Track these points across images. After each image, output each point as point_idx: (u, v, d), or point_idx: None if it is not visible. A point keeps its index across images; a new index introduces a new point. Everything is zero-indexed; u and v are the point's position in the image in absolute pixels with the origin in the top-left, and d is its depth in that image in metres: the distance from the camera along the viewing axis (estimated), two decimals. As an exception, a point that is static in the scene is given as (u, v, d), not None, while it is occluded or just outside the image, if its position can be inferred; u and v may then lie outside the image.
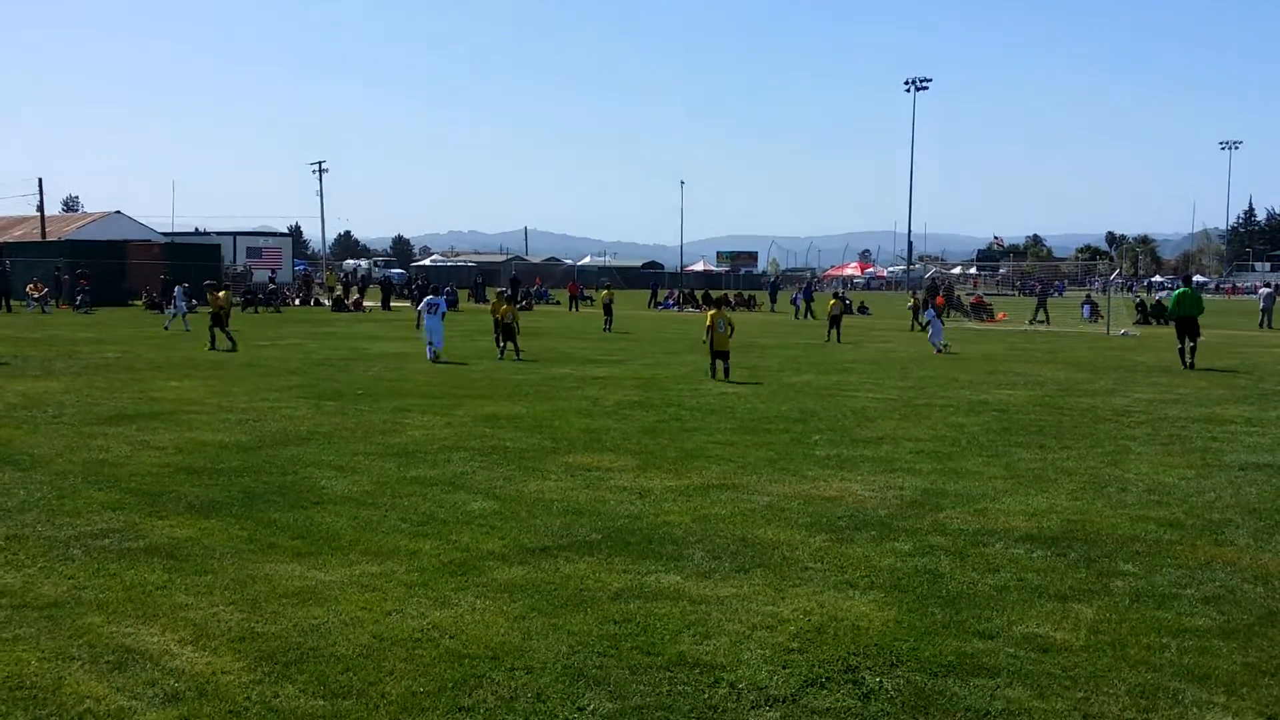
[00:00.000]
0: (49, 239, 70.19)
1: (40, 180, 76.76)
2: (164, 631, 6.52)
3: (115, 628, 6.58)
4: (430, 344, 25.29)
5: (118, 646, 6.26)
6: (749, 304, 66.29)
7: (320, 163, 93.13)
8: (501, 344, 26.29)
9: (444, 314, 26.46)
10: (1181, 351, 25.66)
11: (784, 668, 6.13)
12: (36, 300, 48.81)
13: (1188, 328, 25.76)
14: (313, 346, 29.01)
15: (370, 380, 20.73)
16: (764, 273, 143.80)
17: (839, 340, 33.95)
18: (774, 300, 64.74)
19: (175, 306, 36.49)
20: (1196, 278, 57.63)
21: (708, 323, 22.12)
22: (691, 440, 13.96)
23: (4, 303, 49.06)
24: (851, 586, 7.70)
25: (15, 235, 78.01)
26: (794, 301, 57.26)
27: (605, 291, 44.03)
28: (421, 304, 27.36)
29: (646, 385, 20.44)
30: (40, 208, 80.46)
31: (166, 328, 35.33)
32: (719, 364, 21.67)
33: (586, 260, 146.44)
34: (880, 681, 5.98)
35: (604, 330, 39.09)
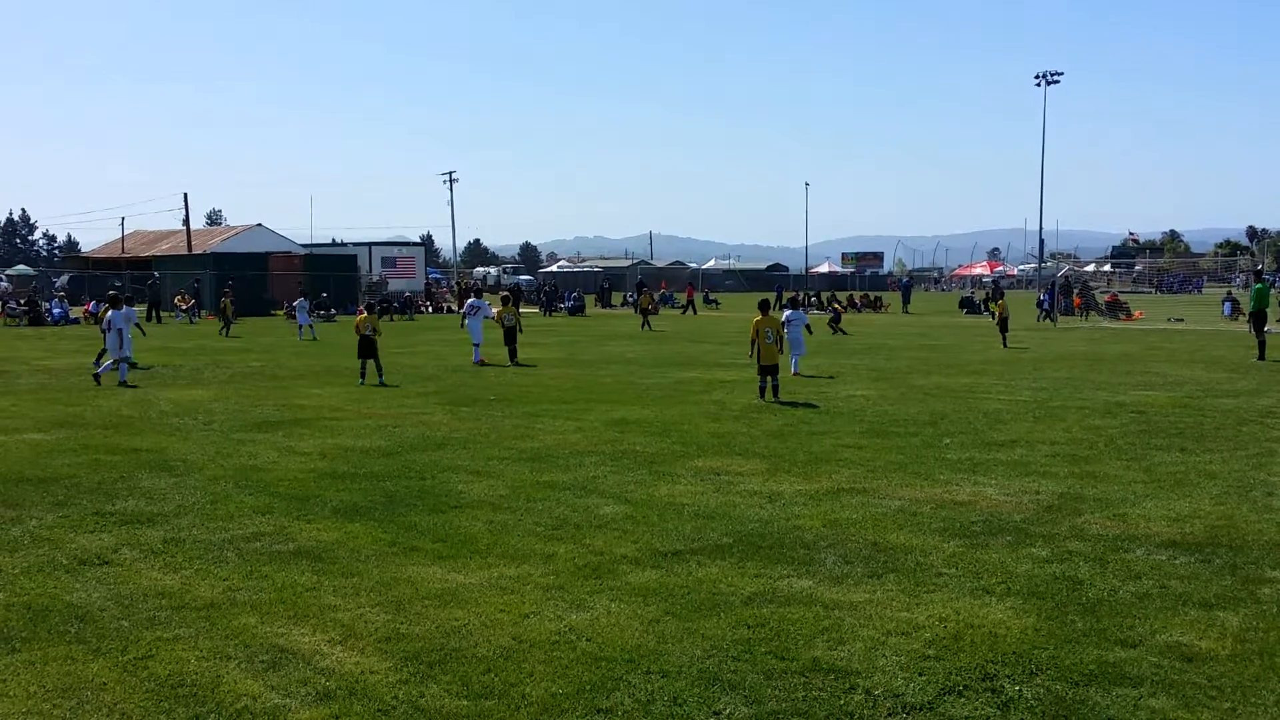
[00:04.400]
0: (195, 252, 72.91)
1: (186, 195, 79.83)
2: (314, 632, 6.75)
3: (268, 628, 6.83)
4: (476, 346, 26.25)
5: (271, 646, 6.50)
6: (875, 305, 65.51)
7: (451, 173, 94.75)
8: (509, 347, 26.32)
9: (486, 317, 27.48)
10: None
11: (920, 675, 6.08)
12: (185, 311, 50.77)
13: None
14: (445, 352, 29.59)
15: (502, 386, 21.08)
16: (890, 273, 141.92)
17: (1005, 345, 30.94)
18: (906, 301, 63.71)
19: (299, 319, 37.72)
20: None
21: (752, 334, 18.75)
22: (820, 444, 13.88)
23: (154, 314, 51.16)
24: (988, 593, 7.58)
25: (163, 249, 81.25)
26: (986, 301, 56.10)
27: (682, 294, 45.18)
28: (465, 306, 27.94)
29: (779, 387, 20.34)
30: (186, 222, 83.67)
31: (299, 338, 36.37)
32: (768, 381, 18.40)
33: (711, 263, 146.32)
34: (1019, 690, 5.88)
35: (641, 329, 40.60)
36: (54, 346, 33.15)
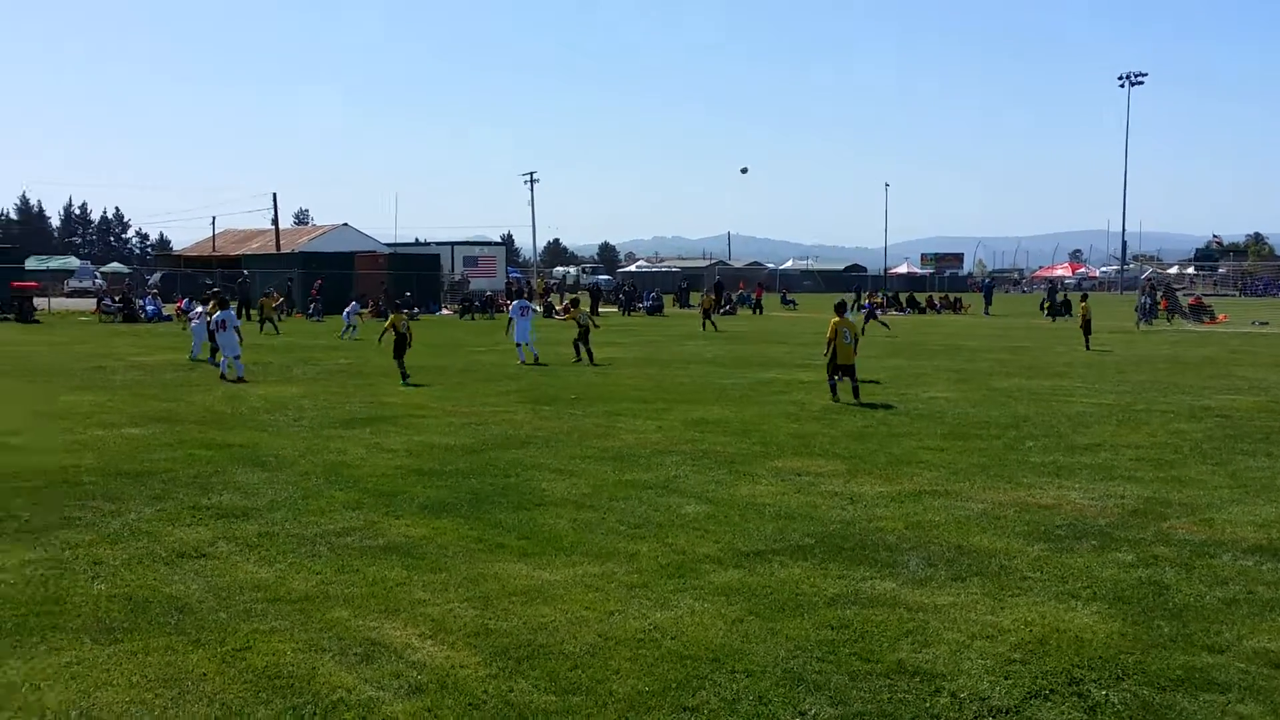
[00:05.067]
0: (283, 251, 74.20)
1: (275, 195, 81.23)
2: (405, 626, 6.87)
3: (361, 622, 6.96)
4: (520, 346, 26.41)
5: (364, 639, 6.62)
6: (955, 306, 64.74)
7: (532, 173, 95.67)
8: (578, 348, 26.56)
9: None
10: None
11: (1006, 678, 6.02)
12: (274, 309, 51.69)
13: None
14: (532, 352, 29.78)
15: (582, 385, 21.20)
16: (970, 274, 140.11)
17: (1088, 347, 30.30)
18: (988, 303, 62.70)
19: (347, 319, 38.14)
20: None
21: (829, 334, 18.33)
22: (901, 446, 13.78)
23: (244, 311, 52.18)
24: (1073, 597, 7.48)
25: (252, 248, 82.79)
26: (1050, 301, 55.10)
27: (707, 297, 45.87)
28: (513, 307, 28.23)
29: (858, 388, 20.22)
30: (275, 221, 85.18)
31: (342, 336, 36.57)
32: (843, 381, 18.27)
33: (789, 264, 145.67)
34: (1106, 695, 5.81)
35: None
36: (147, 343, 33.99)
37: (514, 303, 28.88)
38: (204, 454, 13.09)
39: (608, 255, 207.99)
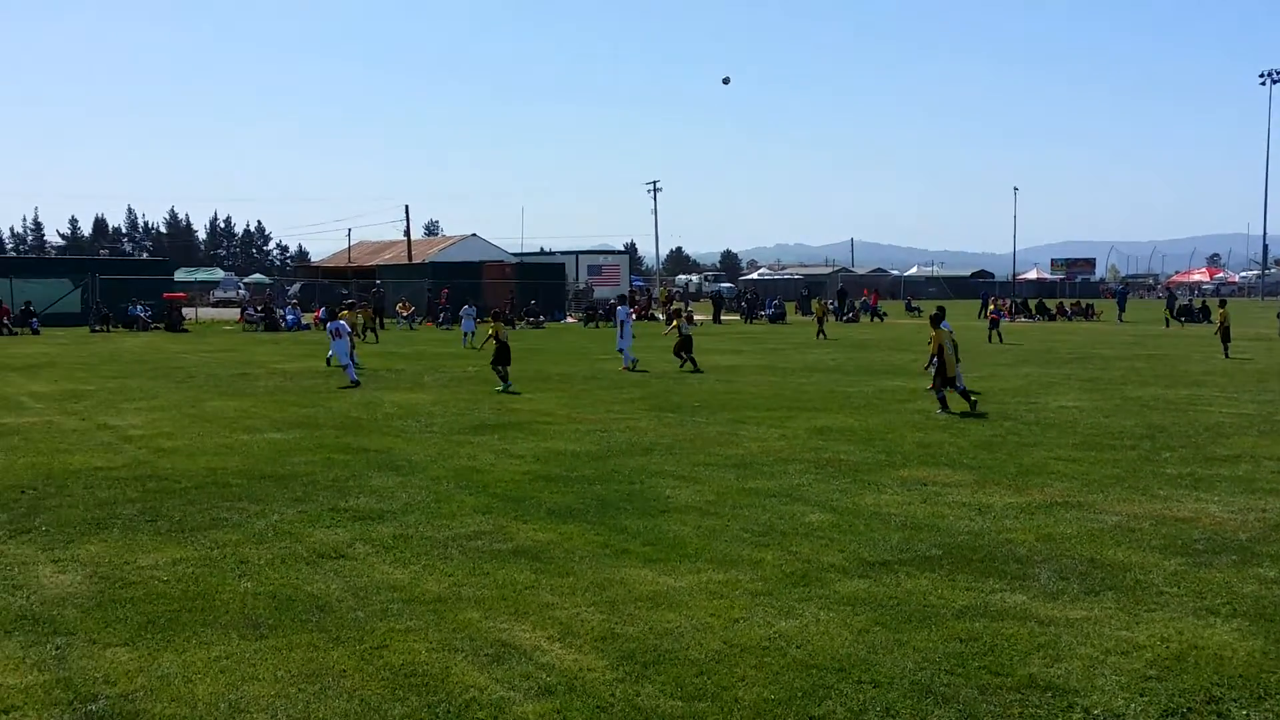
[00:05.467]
0: (415, 261, 75.85)
1: (407, 207, 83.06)
2: (534, 629, 6.97)
3: (492, 623, 7.08)
4: (622, 351, 27.00)
5: (495, 641, 6.74)
6: (1087, 313, 63.00)
7: (654, 182, 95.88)
8: (681, 356, 26.63)
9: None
10: None
11: (1141, 695, 5.85)
12: (405, 318, 52.92)
13: None
14: (649, 359, 29.91)
15: (705, 393, 21.21)
16: (1102, 280, 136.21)
17: (1226, 355, 29.31)
18: (1122, 309, 60.79)
19: (464, 325, 38.57)
20: None
21: (933, 347, 17.93)
22: (1031, 456, 13.47)
23: (378, 320, 53.47)
24: (1212, 614, 7.23)
25: (385, 258, 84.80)
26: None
27: (817, 303, 46.05)
28: (621, 314, 28.56)
29: (980, 398, 19.85)
30: (407, 232, 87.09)
31: (464, 345, 36.88)
32: (951, 391, 17.93)
33: (913, 270, 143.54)
34: (1247, 714, 5.61)
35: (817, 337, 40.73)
36: (288, 351, 35.07)
37: (620, 308, 29.30)
38: (342, 458, 13.46)
39: (730, 263, 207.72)
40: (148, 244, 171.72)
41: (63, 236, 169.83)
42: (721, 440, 14.88)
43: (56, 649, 6.58)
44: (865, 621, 7.08)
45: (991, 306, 44.61)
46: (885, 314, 62.28)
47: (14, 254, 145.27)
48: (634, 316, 31.77)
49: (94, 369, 27.54)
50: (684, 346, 26.63)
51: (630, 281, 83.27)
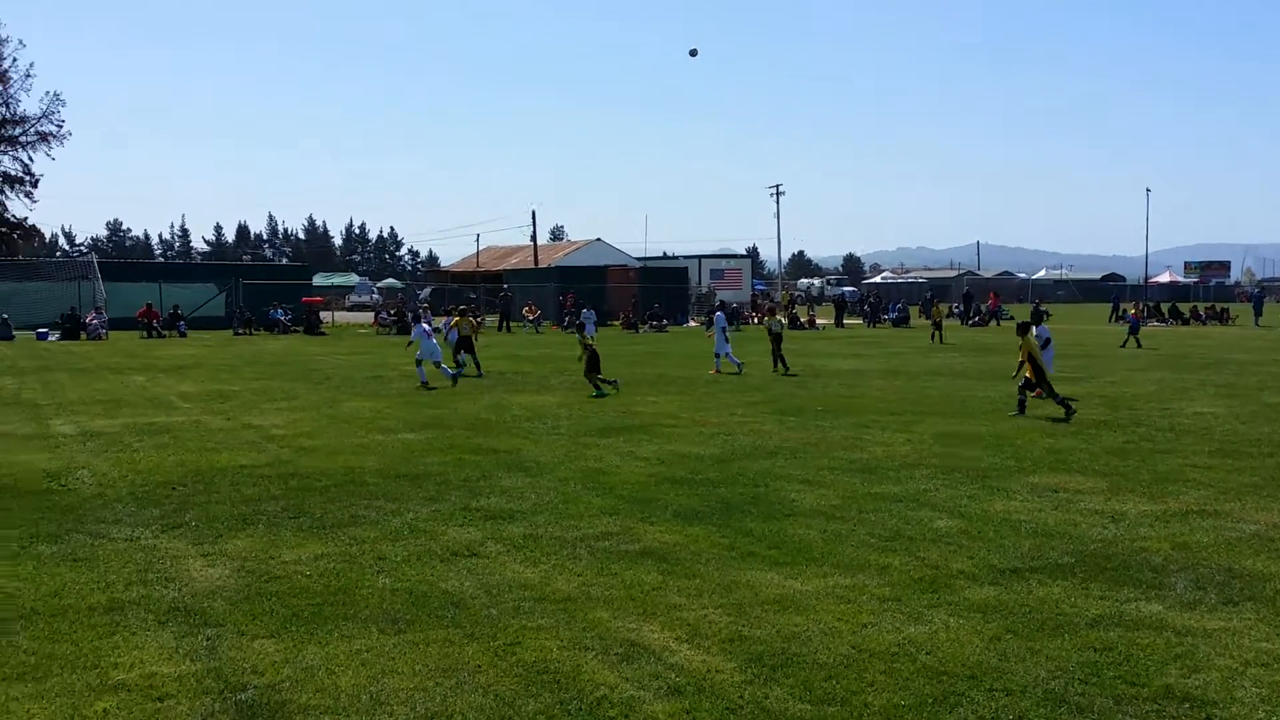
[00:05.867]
0: (541, 266, 76.81)
1: (534, 212, 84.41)
2: (662, 629, 7.00)
3: (620, 623, 7.14)
4: (717, 357, 27.24)
5: (624, 640, 6.79)
6: (1221, 317, 60.71)
7: (777, 186, 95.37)
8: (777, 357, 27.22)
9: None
10: None
11: (1288, 712, 5.62)
12: (532, 321, 53.61)
13: None
14: (769, 363, 29.76)
15: (829, 396, 21.04)
16: (1237, 283, 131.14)
17: None
18: (1258, 313, 58.31)
19: (586, 330, 38.71)
20: None
21: (1022, 355, 17.93)
22: (1165, 463, 13.05)
23: (504, 324, 54.33)
24: (1363, 629, 6.90)
25: (512, 263, 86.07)
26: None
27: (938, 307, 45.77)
28: (716, 320, 28.93)
29: (1112, 404, 19.32)
30: (534, 237, 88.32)
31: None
32: (1028, 397, 17.94)
33: (1041, 273, 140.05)
34: (1404, 737, 5.34)
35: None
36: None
37: (717, 315, 29.85)
38: (472, 459, 13.71)
39: (852, 266, 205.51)
40: (287, 250, 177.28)
41: (208, 243, 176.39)
42: (846, 444, 14.74)
43: (207, 640, 6.84)
44: (996, 629, 6.94)
45: (1131, 310, 43.33)
46: (1012, 317, 60.87)
47: (162, 260, 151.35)
48: (730, 323, 32.71)
49: (237, 370, 28.55)
50: (774, 345, 27.26)
51: (752, 285, 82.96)
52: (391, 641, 6.79)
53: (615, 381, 22.11)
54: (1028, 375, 17.83)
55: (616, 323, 57.32)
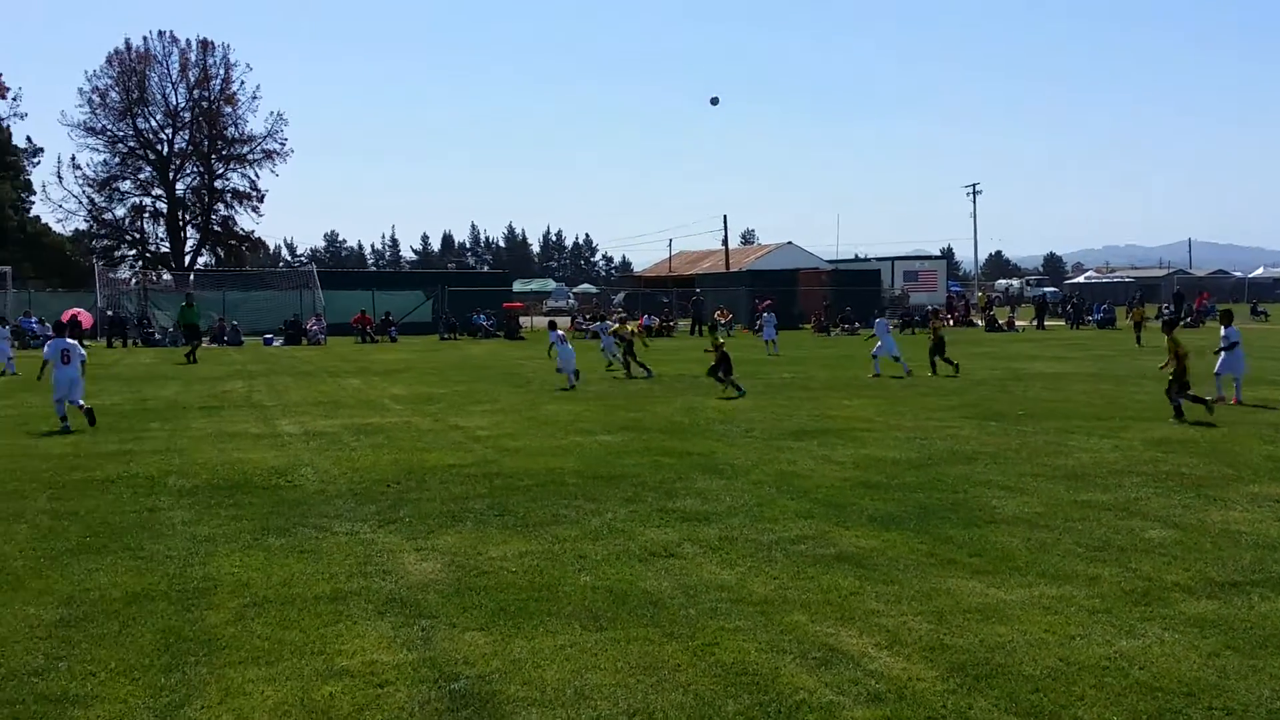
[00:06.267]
0: (732, 269, 76.90)
1: (725, 217, 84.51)
2: (860, 635, 6.92)
3: (818, 627, 7.08)
4: (875, 358, 26.88)
5: (822, 645, 6.74)
6: None
7: (974, 185, 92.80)
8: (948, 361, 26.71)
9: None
10: None
11: None
12: (723, 325, 53.71)
13: None
14: (970, 366, 29.02)
15: (1030, 400, 20.36)
16: None
17: None
18: None
19: (765, 333, 38.30)
20: None
21: (1170, 354, 17.41)
22: (1404, 473, 12.11)
23: (696, 329, 54.63)
24: None
25: (704, 267, 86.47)
26: None
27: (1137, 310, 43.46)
28: (877, 325, 28.82)
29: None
30: (725, 242, 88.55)
31: (768, 354, 36.68)
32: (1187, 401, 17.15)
33: (1259, 271, 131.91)
34: None
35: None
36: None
37: (879, 320, 29.72)
38: (668, 461, 13.83)
39: (1053, 266, 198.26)
40: (488, 257, 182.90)
41: (415, 252, 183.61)
42: (1049, 450, 14.23)
43: (422, 630, 7.12)
44: (1215, 644, 6.59)
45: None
46: (1217, 317, 57.51)
47: (374, 269, 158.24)
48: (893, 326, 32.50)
49: (444, 374, 29.60)
50: (937, 349, 26.92)
51: (947, 287, 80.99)
52: (594, 638, 6.92)
53: (740, 389, 21.99)
54: (1170, 375, 17.44)
55: (808, 326, 56.83)
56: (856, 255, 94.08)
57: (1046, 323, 58.62)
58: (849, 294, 60.33)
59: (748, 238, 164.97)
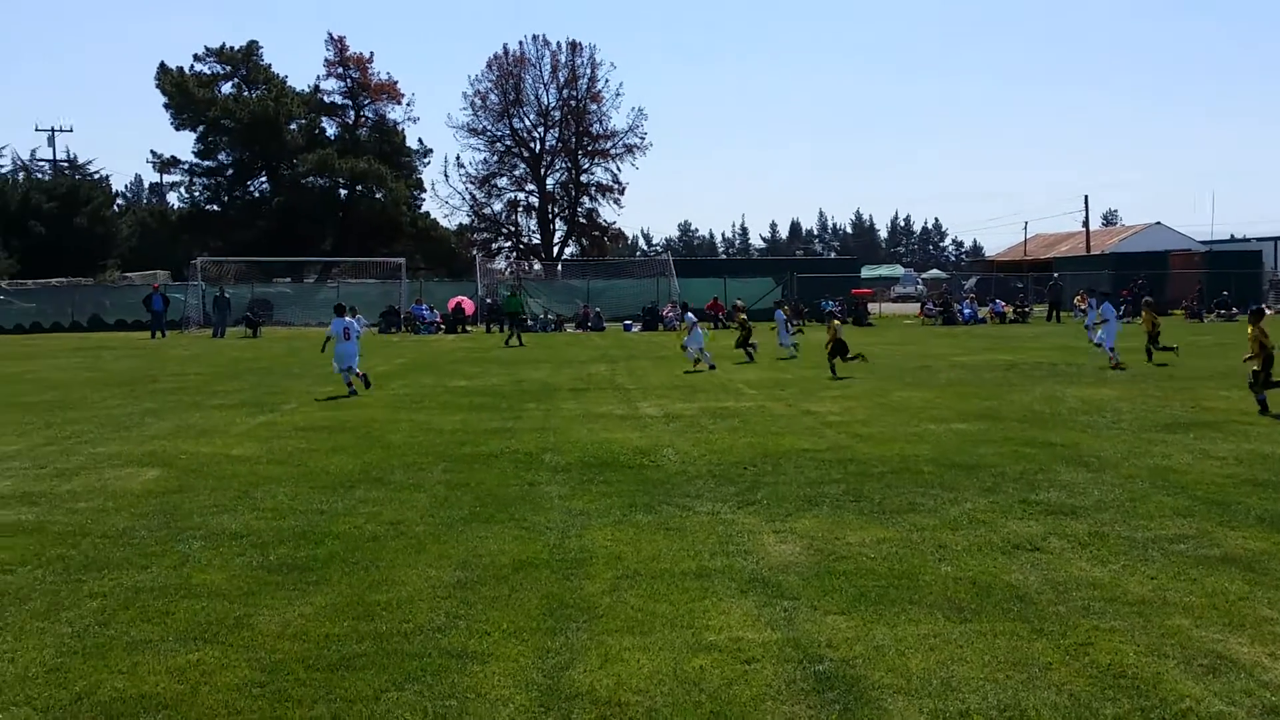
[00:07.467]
0: (1094, 253, 72.45)
1: (1086, 198, 79.79)
2: (1252, 643, 6.35)
3: (1202, 632, 6.57)
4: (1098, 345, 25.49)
5: (1208, 651, 6.24)
6: None
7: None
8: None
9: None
10: None
11: None
12: (1083, 311, 50.73)
13: None
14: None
15: None
16: None
17: None
18: None
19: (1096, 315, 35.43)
20: None
21: (1254, 345, 16.60)
22: None
23: (1054, 314, 51.90)
24: None
25: (1062, 250, 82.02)
26: None
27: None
28: (1107, 311, 26.46)
29: None
30: (1085, 223, 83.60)
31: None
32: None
33: None
34: None
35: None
36: (964, 344, 35.20)
37: (1105, 305, 26.82)
38: (1027, 451, 13.23)
39: None
40: (835, 244, 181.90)
41: (764, 240, 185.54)
42: None
43: (784, 611, 7.19)
44: None
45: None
46: None
47: (725, 256, 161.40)
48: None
49: (794, 359, 29.65)
50: (1152, 340, 25.64)
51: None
52: (958, 629, 6.74)
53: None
54: (1255, 368, 16.60)
55: (1179, 311, 52.66)
56: (1232, 235, 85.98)
57: None
58: (1225, 277, 55.37)
59: (1109, 219, 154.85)
